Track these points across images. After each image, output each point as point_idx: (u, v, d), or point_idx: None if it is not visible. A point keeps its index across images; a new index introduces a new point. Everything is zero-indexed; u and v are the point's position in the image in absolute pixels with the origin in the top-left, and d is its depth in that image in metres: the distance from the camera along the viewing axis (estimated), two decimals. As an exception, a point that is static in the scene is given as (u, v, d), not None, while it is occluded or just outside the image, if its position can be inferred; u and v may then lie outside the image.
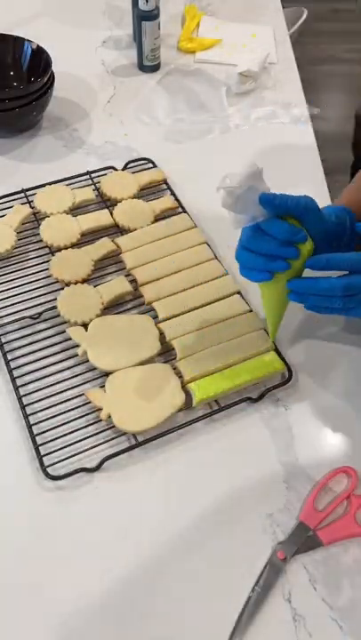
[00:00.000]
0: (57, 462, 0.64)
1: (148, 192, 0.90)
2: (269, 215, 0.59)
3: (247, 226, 0.61)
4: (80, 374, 0.71)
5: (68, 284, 0.78)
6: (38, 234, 0.83)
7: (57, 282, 0.79)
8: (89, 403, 0.68)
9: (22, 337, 0.74)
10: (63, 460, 0.65)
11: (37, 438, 0.66)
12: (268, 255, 0.61)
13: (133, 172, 0.91)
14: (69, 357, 0.73)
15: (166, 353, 0.74)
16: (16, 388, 0.69)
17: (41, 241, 0.83)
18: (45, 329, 0.75)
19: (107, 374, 0.70)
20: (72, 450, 0.65)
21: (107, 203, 0.89)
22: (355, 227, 0.68)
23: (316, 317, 0.78)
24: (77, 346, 0.72)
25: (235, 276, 0.80)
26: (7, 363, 0.71)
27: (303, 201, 0.60)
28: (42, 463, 0.64)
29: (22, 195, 0.88)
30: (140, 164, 0.94)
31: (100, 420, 0.67)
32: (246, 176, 0.57)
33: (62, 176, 0.90)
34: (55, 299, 0.76)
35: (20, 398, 0.69)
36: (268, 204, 0.58)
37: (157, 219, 0.86)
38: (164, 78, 1.11)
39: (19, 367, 0.71)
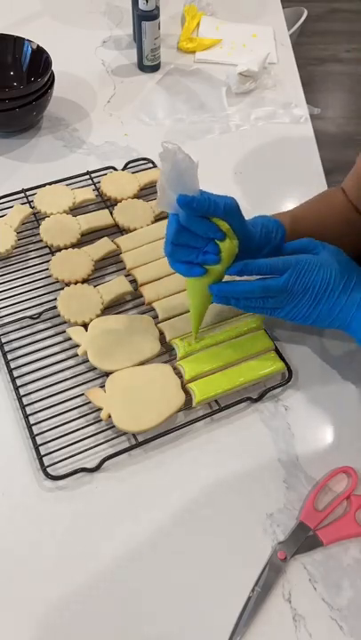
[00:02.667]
0: (57, 462, 0.64)
1: (148, 192, 0.90)
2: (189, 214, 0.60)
3: (171, 222, 0.62)
4: (80, 374, 0.71)
5: (68, 284, 0.78)
6: (38, 234, 0.83)
7: (57, 282, 0.79)
8: (89, 403, 0.68)
9: (22, 337, 0.74)
10: (63, 459, 0.65)
11: (37, 438, 0.66)
12: (194, 248, 0.63)
13: (133, 172, 0.91)
14: (69, 357, 0.73)
15: (166, 353, 0.74)
16: (16, 388, 0.69)
17: (41, 241, 0.83)
18: (45, 329, 0.75)
19: (107, 374, 0.70)
20: (72, 450, 0.65)
21: (107, 203, 0.89)
22: (280, 236, 0.69)
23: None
24: (77, 346, 0.72)
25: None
26: (7, 363, 0.71)
27: (222, 203, 0.60)
28: (42, 463, 0.64)
29: (22, 195, 0.88)
30: (140, 164, 0.94)
31: (100, 420, 0.67)
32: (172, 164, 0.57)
33: (62, 176, 0.90)
34: (55, 299, 0.76)
35: (20, 398, 0.69)
36: (185, 206, 0.59)
37: (157, 219, 0.86)
38: (164, 78, 1.11)
39: (19, 367, 0.71)
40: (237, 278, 0.66)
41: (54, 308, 0.76)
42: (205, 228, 0.61)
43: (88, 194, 0.87)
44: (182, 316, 0.75)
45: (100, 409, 0.67)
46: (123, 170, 0.92)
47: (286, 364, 0.72)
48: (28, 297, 0.78)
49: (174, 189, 0.58)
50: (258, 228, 0.68)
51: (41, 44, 1.00)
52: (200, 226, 0.61)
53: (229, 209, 0.61)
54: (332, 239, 0.69)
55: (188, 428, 0.68)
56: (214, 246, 0.62)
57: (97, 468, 0.64)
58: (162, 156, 0.57)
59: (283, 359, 0.72)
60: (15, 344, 0.74)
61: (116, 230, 0.85)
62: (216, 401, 0.70)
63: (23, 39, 1.00)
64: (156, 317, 0.75)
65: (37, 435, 0.66)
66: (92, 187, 0.90)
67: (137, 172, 0.92)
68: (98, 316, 0.74)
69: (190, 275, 0.64)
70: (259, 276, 0.65)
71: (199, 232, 0.62)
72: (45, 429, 0.67)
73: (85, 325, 0.74)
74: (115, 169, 0.92)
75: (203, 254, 0.63)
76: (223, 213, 0.61)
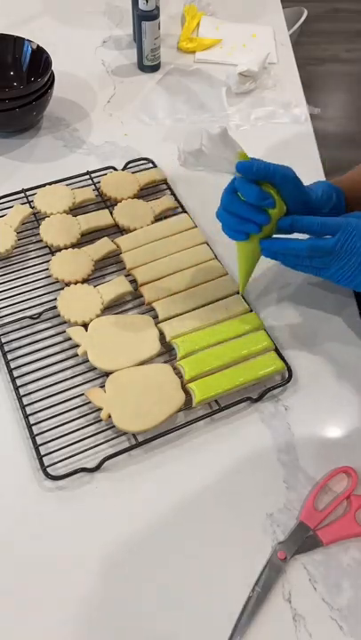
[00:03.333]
0: (57, 462, 0.64)
1: (148, 192, 0.90)
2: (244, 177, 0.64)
3: (226, 188, 0.66)
4: (80, 374, 0.71)
5: (68, 284, 0.78)
6: (38, 234, 0.83)
7: (57, 282, 0.79)
8: (89, 403, 0.68)
9: (22, 337, 0.74)
10: (63, 459, 0.65)
11: (37, 438, 0.66)
12: (242, 217, 0.65)
13: (133, 172, 0.91)
14: (69, 357, 0.73)
15: (166, 353, 0.74)
16: (16, 388, 0.69)
17: (41, 241, 0.83)
18: (45, 329, 0.75)
19: (107, 374, 0.70)
20: (72, 450, 0.65)
21: (107, 203, 0.89)
22: (342, 203, 0.71)
23: (317, 318, 0.78)
24: (77, 346, 0.72)
25: (235, 276, 0.80)
26: (7, 363, 0.71)
27: (280, 170, 0.64)
28: (42, 463, 0.64)
29: (22, 195, 0.88)
30: (140, 164, 0.94)
31: (100, 420, 0.67)
32: (212, 137, 0.61)
33: (62, 176, 0.90)
34: (55, 299, 0.76)
35: (20, 398, 0.69)
36: (245, 171, 0.63)
37: (157, 219, 0.86)
38: (164, 78, 1.11)
39: (19, 367, 0.71)
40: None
41: (54, 308, 0.76)
42: (256, 195, 0.64)
43: (88, 194, 0.87)
44: (183, 317, 0.75)
45: (100, 409, 0.67)
46: (123, 170, 0.92)
47: (286, 364, 0.72)
48: (28, 297, 0.78)
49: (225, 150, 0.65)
50: (318, 193, 0.70)
51: (41, 44, 1.00)
52: (252, 192, 0.64)
53: (285, 178, 0.64)
54: None
55: (188, 427, 0.68)
56: (263, 216, 0.65)
57: (97, 468, 0.64)
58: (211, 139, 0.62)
59: (283, 359, 0.72)
60: (15, 344, 0.74)
61: (116, 230, 0.85)
62: (216, 401, 0.70)
63: (23, 39, 1.00)
64: (156, 317, 0.75)
65: (37, 435, 0.66)
66: (92, 187, 0.90)
67: (137, 172, 0.92)
68: (98, 316, 0.74)
69: (235, 239, 0.68)
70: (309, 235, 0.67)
71: (250, 199, 0.64)
72: (45, 429, 0.67)
73: (85, 325, 0.74)
74: (115, 169, 0.92)
75: (247, 223, 0.65)
76: (279, 181, 0.64)
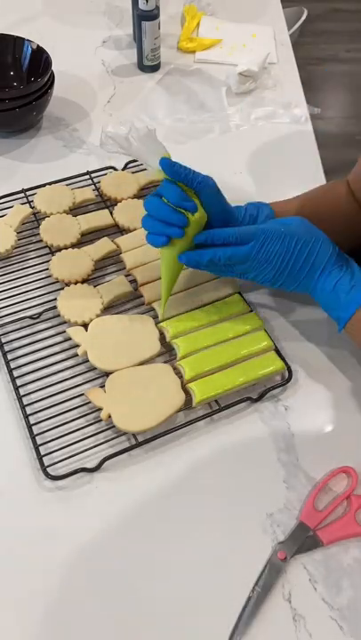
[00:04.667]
0: (57, 462, 0.64)
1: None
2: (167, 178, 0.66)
3: (150, 194, 0.68)
4: (80, 374, 0.71)
5: (68, 284, 0.78)
6: (38, 234, 0.83)
7: (57, 282, 0.79)
8: (89, 403, 0.68)
9: (22, 337, 0.74)
10: (63, 459, 0.65)
11: (37, 438, 0.66)
12: (163, 221, 0.66)
13: (133, 172, 0.91)
14: (69, 357, 0.73)
15: (166, 353, 0.74)
16: (16, 388, 0.69)
17: (41, 241, 0.83)
18: (45, 329, 0.75)
19: (107, 374, 0.70)
20: (72, 450, 0.65)
21: (107, 203, 0.89)
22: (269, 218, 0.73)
23: (317, 318, 0.78)
24: (77, 346, 0.72)
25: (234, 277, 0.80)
26: (7, 363, 0.71)
27: (200, 177, 0.66)
28: (42, 463, 0.64)
29: (22, 195, 0.88)
30: (140, 164, 0.94)
31: (100, 420, 0.67)
32: (140, 132, 0.65)
33: (62, 176, 0.90)
34: (55, 299, 0.76)
35: (20, 398, 0.69)
36: (166, 167, 0.65)
37: (157, 219, 0.86)
38: (164, 78, 1.11)
39: (19, 367, 0.71)
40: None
41: (54, 308, 0.76)
42: (177, 196, 0.65)
43: (88, 194, 0.87)
44: (183, 317, 0.75)
45: (100, 409, 0.67)
46: (123, 170, 0.92)
47: (286, 364, 0.72)
48: (28, 297, 0.78)
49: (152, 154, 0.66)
50: (242, 212, 0.73)
51: (41, 44, 1.00)
52: (174, 193, 0.65)
53: (205, 184, 0.66)
54: (330, 232, 0.70)
55: (188, 428, 0.68)
56: (182, 218, 0.65)
57: (97, 468, 0.64)
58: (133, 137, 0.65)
59: (283, 359, 0.72)
60: (15, 344, 0.74)
61: (116, 230, 0.85)
62: (216, 401, 0.70)
63: (23, 39, 1.00)
64: (156, 317, 0.75)
65: (37, 435, 0.66)
66: (92, 187, 0.90)
67: (137, 172, 0.92)
68: (98, 315, 0.74)
69: (156, 244, 0.68)
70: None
71: (171, 199, 0.65)
72: (45, 429, 0.67)
73: (85, 325, 0.74)
74: (115, 169, 0.92)
75: (169, 227, 0.66)
76: (198, 186, 0.65)
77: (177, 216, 0.65)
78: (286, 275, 0.68)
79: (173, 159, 0.65)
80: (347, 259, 0.69)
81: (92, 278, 0.80)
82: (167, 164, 0.65)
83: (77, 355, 0.72)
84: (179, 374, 0.70)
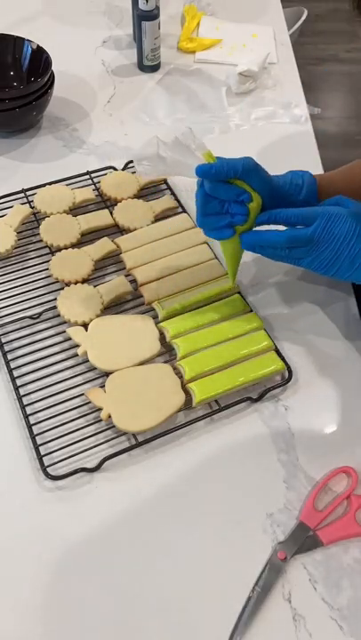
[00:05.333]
0: (57, 462, 0.64)
1: (148, 192, 0.90)
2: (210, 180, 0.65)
3: (197, 195, 0.67)
4: (80, 374, 0.71)
5: (68, 284, 0.78)
6: (38, 234, 0.83)
7: (57, 282, 0.79)
8: (89, 403, 0.68)
9: (22, 337, 0.74)
10: (63, 459, 0.65)
11: (37, 438, 0.66)
12: (222, 214, 0.67)
13: (133, 172, 0.91)
14: (69, 357, 0.73)
15: (166, 353, 0.74)
16: (16, 388, 0.69)
17: (41, 241, 0.83)
18: (45, 329, 0.75)
19: (107, 374, 0.70)
20: (72, 450, 0.65)
21: (107, 203, 0.89)
22: (313, 190, 0.73)
23: (317, 318, 0.78)
24: (77, 346, 0.72)
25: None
26: (7, 363, 0.71)
27: (240, 164, 0.65)
28: (42, 463, 0.64)
29: (22, 195, 0.88)
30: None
31: (100, 420, 0.67)
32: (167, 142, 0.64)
33: (62, 176, 0.90)
34: (55, 299, 0.76)
35: (20, 398, 0.69)
36: (204, 175, 0.64)
37: (157, 219, 0.86)
38: (164, 78, 1.11)
39: (19, 367, 0.71)
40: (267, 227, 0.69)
41: (54, 308, 0.76)
42: (231, 193, 0.65)
43: (88, 194, 0.87)
44: (183, 317, 0.75)
45: (100, 409, 0.67)
46: (123, 170, 0.92)
47: (286, 363, 0.72)
48: (28, 297, 0.78)
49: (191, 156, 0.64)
50: (287, 179, 0.72)
51: (41, 44, 1.00)
52: (225, 191, 0.65)
53: (247, 169, 0.65)
54: None
55: (188, 428, 0.68)
56: (241, 207, 0.66)
57: (97, 468, 0.64)
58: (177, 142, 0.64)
59: (283, 359, 0.72)
60: (15, 344, 0.74)
61: (116, 230, 0.85)
62: (216, 401, 0.70)
63: (23, 39, 1.00)
64: (156, 317, 0.75)
65: (37, 435, 0.66)
66: (92, 187, 0.90)
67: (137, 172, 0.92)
68: (98, 315, 0.74)
69: (221, 238, 0.69)
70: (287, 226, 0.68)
71: (225, 197, 0.65)
72: (45, 429, 0.67)
73: (85, 325, 0.74)
74: (115, 169, 0.92)
75: (231, 217, 0.67)
76: (242, 174, 0.65)
77: (236, 207, 0.66)
78: (343, 259, 0.65)
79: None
80: None
81: (92, 278, 0.80)
82: (203, 171, 0.64)
83: (77, 355, 0.72)
84: (179, 374, 0.70)
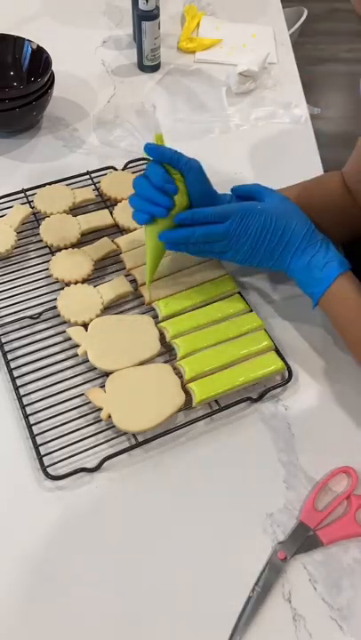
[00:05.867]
0: (57, 462, 0.64)
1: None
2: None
3: (138, 175, 0.71)
4: (80, 374, 0.71)
5: (68, 284, 0.78)
6: (38, 234, 0.83)
7: (57, 282, 0.79)
8: (89, 403, 0.68)
9: (22, 337, 0.74)
10: (63, 459, 0.65)
11: (37, 438, 0.66)
12: (149, 200, 0.69)
13: (133, 172, 0.91)
14: (69, 357, 0.73)
15: (166, 353, 0.74)
16: (16, 388, 0.69)
17: (41, 241, 0.83)
18: (45, 329, 0.75)
19: (107, 374, 0.70)
20: (72, 450, 0.65)
21: (107, 203, 0.89)
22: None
23: (317, 318, 0.78)
24: (77, 346, 0.72)
25: (235, 276, 0.80)
26: (7, 363, 0.71)
27: (185, 159, 0.68)
28: (42, 463, 0.64)
29: (22, 195, 0.88)
30: (140, 164, 0.94)
31: (100, 420, 0.67)
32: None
33: (62, 176, 0.90)
34: (55, 299, 0.76)
35: (20, 398, 0.69)
36: (150, 151, 0.68)
37: (157, 219, 0.86)
38: (164, 78, 1.11)
39: (19, 367, 0.71)
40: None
41: (54, 308, 0.76)
42: (161, 178, 0.67)
43: (88, 194, 0.87)
44: (183, 317, 0.75)
45: (100, 409, 0.67)
46: (123, 170, 0.92)
47: (286, 363, 0.72)
48: (28, 297, 0.78)
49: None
50: (227, 199, 0.74)
51: (41, 44, 1.00)
52: (157, 175, 0.68)
53: (189, 167, 0.68)
54: (323, 223, 0.71)
55: (188, 427, 0.68)
56: (167, 199, 0.68)
57: (97, 468, 0.64)
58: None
59: (283, 359, 0.72)
60: (15, 344, 0.74)
61: (116, 230, 0.85)
62: (216, 401, 0.70)
63: (23, 39, 1.00)
64: (156, 317, 0.75)
65: (37, 435, 0.66)
66: (92, 187, 0.90)
67: (137, 172, 0.92)
68: (98, 315, 0.74)
69: (140, 222, 0.71)
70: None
71: (154, 180, 0.68)
72: (45, 429, 0.67)
73: (85, 325, 0.74)
74: (115, 169, 0.92)
75: (154, 206, 0.68)
76: (183, 167, 0.68)
77: (162, 197, 0.68)
78: (263, 252, 0.70)
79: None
80: (322, 236, 0.70)
81: (92, 278, 0.80)
82: (151, 148, 0.67)
83: (77, 355, 0.72)
84: (179, 374, 0.70)
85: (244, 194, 0.74)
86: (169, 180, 0.68)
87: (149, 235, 0.72)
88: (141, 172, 0.72)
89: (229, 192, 0.75)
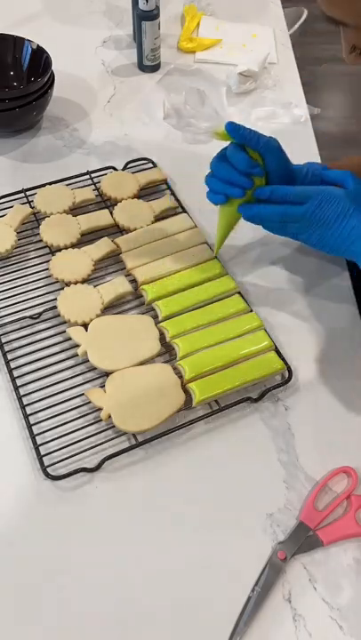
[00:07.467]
0: (57, 462, 0.64)
1: (148, 192, 0.90)
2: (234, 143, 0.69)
3: (216, 156, 0.71)
4: (80, 374, 0.71)
5: (68, 284, 0.78)
6: (38, 234, 0.83)
7: (57, 282, 0.79)
8: (89, 403, 0.68)
9: (22, 337, 0.74)
10: (63, 459, 0.65)
11: (37, 438, 0.66)
12: (227, 182, 0.69)
13: (133, 172, 0.91)
14: (69, 357, 0.73)
15: (166, 353, 0.74)
16: (16, 388, 0.69)
17: (41, 241, 0.82)
18: (45, 329, 0.75)
19: (107, 374, 0.70)
20: (72, 450, 0.65)
21: (107, 203, 0.89)
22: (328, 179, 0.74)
23: (317, 318, 0.78)
24: (77, 346, 0.72)
25: (235, 276, 0.80)
26: (7, 363, 0.71)
27: (265, 139, 0.68)
28: (42, 463, 0.64)
29: (22, 195, 0.88)
30: (140, 164, 0.94)
31: (100, 420, 0.67)
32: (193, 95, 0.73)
33: (62, 176, 0.90)
34: (55, 299, 0.76)
35: (19, 398, 0.69)
36: (233, 131, 0.67)
37: (157, 219, 0.86)
38: (164, 78, 1.11)
39: (19, 367, 0.71)
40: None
41: (54, 308, 0.76)
42: (246, 164, 0.68)
43: (88, 194, 0.87)
44: (183, 317, 0.75)
45: (100, 409, 0.67)
46: (123, 170, 0.92)
47: (286, 363, 0.72)
48: (28, 297, 0.78)
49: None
50: (305, 171, 0.73)
51: (41, 44, 1.00)
52: (242, 161, 0.68)
53: (269, 146, 0.68)
54: None
55: (188, 427, 0.68)
56: (248, 180, 0.69)
57: (97, 468, 0.64)
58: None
59: (283, 359, 0.72)
60: (15, 344, 0.74)
61: (116, 230, 0.85)
62: (216, 401, 0.70)
63: (23, 39, 1.00)
64: (156, 317, 0.75)
65: (37, 435, 0.66)
66: (92, 187, 0.90)
67: (137, 172, 0.92)
68: (98, 315, 0.74)
69: (215, 202, 0.72)
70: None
71: (240, 167, 0.68)
72: (45, 429, 0.67)
73: (85, 325, 0.74)
74: (115, 169, 0.92)
75: (231, 187, 0.69)
76: (262, 148, 0.68)
77: (244, 179, 0.68)
78: (336, 237, 0.68)
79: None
80: None
81: (92, 278, 0.80)
82: (233, 127, 0.67)
83: (77, 355, 0.72)
84: (179, 374, 0.70)
85: (331, 181, 0.72)
86: (254, 164, 0.68)
87: (225, 210, 0.74)
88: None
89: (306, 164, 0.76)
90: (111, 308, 0.77)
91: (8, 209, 0.86)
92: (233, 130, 0.67)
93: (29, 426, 0.67)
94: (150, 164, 0.94)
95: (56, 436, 0.66)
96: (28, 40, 1.00)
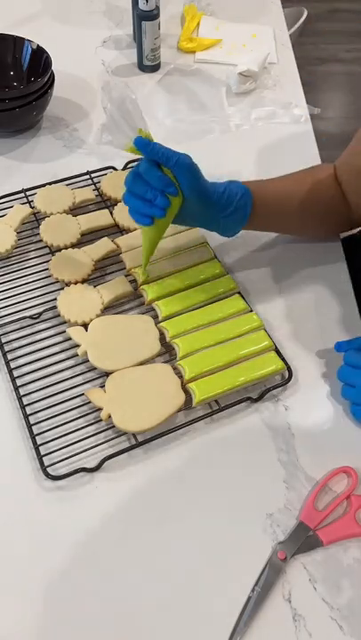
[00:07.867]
0: (57, 462, 0.64)
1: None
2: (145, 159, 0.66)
3: (130, 172, 0.68)
4: (80, 374, 0.71)
5: (68, 284, 0.78)
6: (38, 234, 0.83)
7: (57, 282, 0.79)
8: (89, 403, 0.68)
9: (22, 337, 0.74)
10: (63, 459, 0.65)
11: (37, 438, 0.66)
12: (147, 200, 0.67)
13: (133, 172, 0.91)
14: (69, 357, 0.73)
15: (166, 353, 0.74)
16: (16, 388, 0.69)
17: (41, 241, 0.83)
18: (45, 329, 0.75)
19: (107, 374, 0.70)
20: (72, 450, 0.65)
21: (107, 203, 0.89)
22: (247, 205, 0.74)
23: (317, 318, 0.78)
24: (77, 346, 0.72)
25: (235, 276, 0.80)
26: (7, 363, 0.71)
27: (176, 156, 0.65)
28: (42, 463, 0.64)
29: (22, 195, 0.88)
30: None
31: (100, 420, 0.67)
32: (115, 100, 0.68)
33: (62, 176, 0.90)
34: (55, 299, 0.76)
35: (19, 398, 0.69)
36: (142, 147, 0.65)
37: (157, 219, 0.86)
38: (164, 78, 1.11)
39: (19, 367, 0.71)
40: None
41: (54, 307, 0.76)
42: (161, 182, 0.66)
43: (88, 194, 0.87)
44: (183, 317, 0.75)
45: (100, 409, 0.67)
46: (123, 170, 0.92)
47: (286, 363, 0.72)
48: (28, 297, 0.78)
49: (129, 126, 0.66)
50: (220, 190, 0.71)
51: (41, 44, 1.00)
52: (157, 179, 0.66)
53: (181, 163, 0.65)
54: (311, 215, 0.73)
55: (188, 427, 0.68)
56: (165, 200, 0.67)
57: (97, 468, 0.64)
58: (106, 89, 0.63)
59: (283, 359, 0.72)
60: (15, 344, 0.74)
61: (116, 230, 0.85)
62: (216, 401, 0.70)
63: (23, 39, 1.00)
64: (156, 317, 0.75)
65: (37, 435, 0.66)
66: (92, 187, 0.90)
67: (137, 172, 0.92)
68: (98, 315, 0.74)
69: (141, 223, 0.70)
70: None
71: (155, 185, 0.66)
72: (45, 429, 0.67)
73: (85, 325, 0.74)
74: (115, 169, 0.92)
75: (150, 207, 0.67)
76: (174, 166, 0.65)
77: (161, 199, 0.66)
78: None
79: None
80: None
81: (92, 278, 0.80)
82: (143, 143, 0.65)
83: (77, 355, 0.72)
84: (179, 374, 0.70)
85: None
86: (169, 183, 0.66)
87: (146, 230, 0.72)
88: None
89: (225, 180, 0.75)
90: (111, 308, 0.77)
91: (8, 209, 0.86)
92: (142, 146, 0.65)
93: (29, 426, 0.67)
94: (150, 164, 0.94)
95: (56, 436, 0.66)
96: (28, 40, 1.00)
